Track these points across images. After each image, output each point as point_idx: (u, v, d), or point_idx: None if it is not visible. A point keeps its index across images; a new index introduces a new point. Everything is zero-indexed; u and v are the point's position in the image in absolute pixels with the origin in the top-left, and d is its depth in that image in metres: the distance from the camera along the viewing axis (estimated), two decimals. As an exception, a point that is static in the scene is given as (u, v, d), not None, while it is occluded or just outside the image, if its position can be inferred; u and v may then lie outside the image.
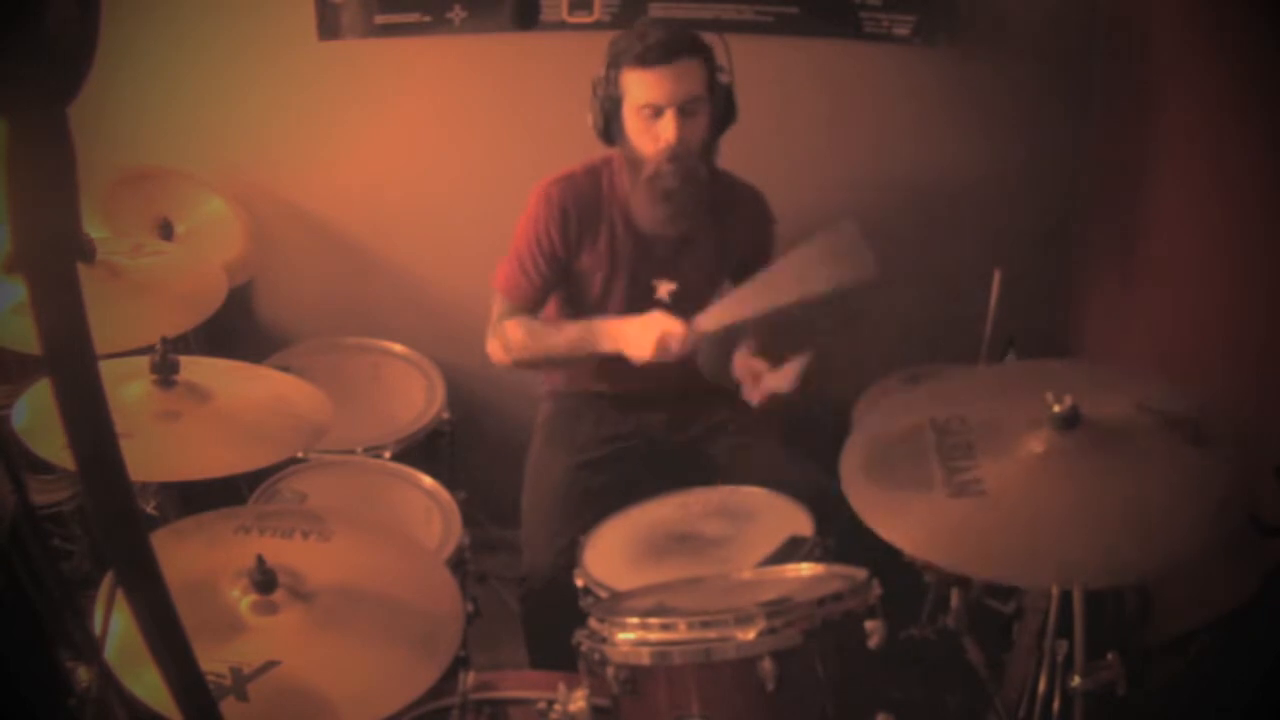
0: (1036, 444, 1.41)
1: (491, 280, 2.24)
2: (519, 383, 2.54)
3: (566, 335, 2.17)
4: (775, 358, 2.08)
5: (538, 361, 2.27)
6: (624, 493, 2.10)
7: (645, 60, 1.98)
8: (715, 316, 2.04)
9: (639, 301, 2.19)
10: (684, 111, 2.00)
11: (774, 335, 2.19)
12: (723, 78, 2.06)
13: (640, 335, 2.05)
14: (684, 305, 2.20)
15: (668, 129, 1.99)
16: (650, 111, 2.00)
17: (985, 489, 1.37)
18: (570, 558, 1.94)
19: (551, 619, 1.93)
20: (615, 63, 2.02)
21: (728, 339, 2.33)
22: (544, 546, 2.07)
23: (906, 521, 1.40)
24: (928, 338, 2.63)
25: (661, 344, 2.02)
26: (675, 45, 1.99)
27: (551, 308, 2.29)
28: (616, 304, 2.21)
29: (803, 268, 1.97)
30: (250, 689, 1.25)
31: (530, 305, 2.21)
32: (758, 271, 2.27)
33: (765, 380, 2.04)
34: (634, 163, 2.07)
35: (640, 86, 2.00)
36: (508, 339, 2.20)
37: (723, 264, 2.27)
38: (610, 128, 2.06)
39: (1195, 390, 1.57)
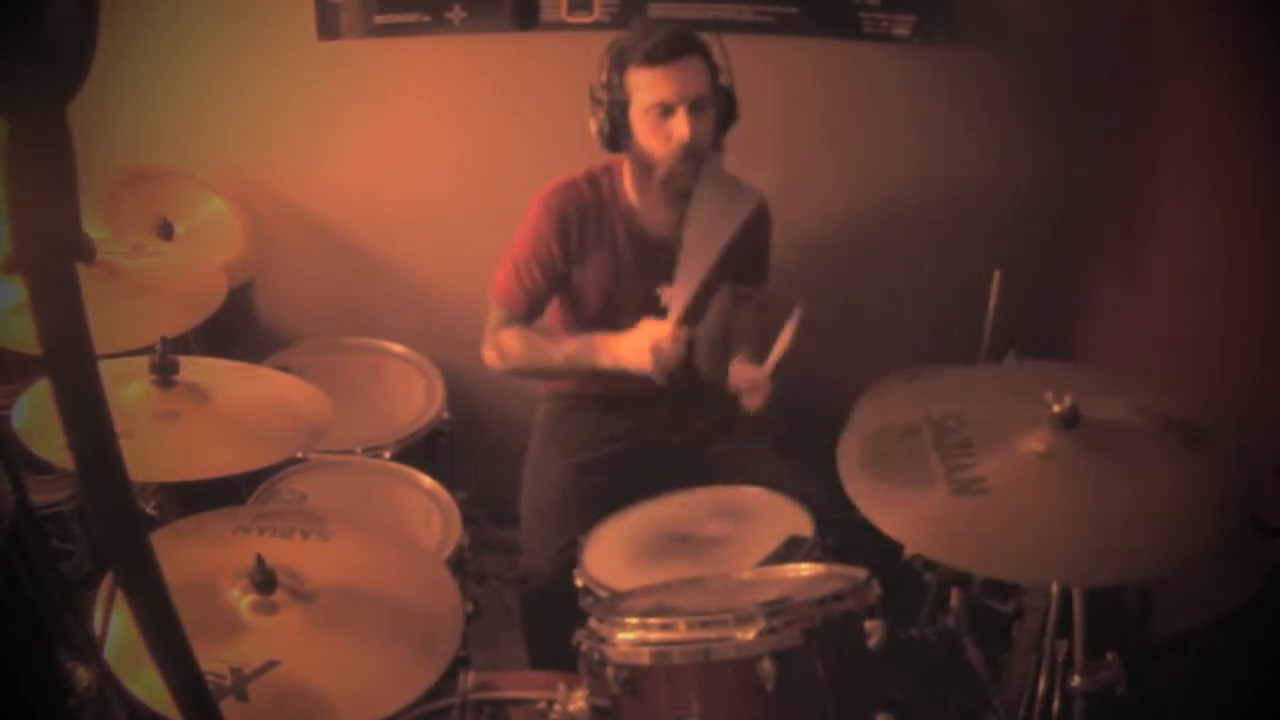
0: (1036, 444, 1.41)
1: (489, 288, 2.22)
2: (519, 383, 2.54)
3: (564, 351, 2.16)
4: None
5: (534, 373, 2.28)
6: (622, 493, 2.10)
7: (653, 59, 1.96)
8: (679, 298, 2.02)
9: (643, 308, 2.18)
10: (694, 109, 1.98)
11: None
12: (722, 78, 2.05)
13: (638, 348, 2.04)
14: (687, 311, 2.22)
15: (681, 126, 1.97)
16: (660, 111, 1.98)
17: (988, 488, 1.38)
18: (569, 558, 1.94)
19: (551, 619, 1.93)
20: (619, 65, 1.99)
21: (724, 340, 2.33)
22: (543, 547, 2.07)
23: (909, 516, 1.40)
24: (928, 338, 2.63)
25: (656, 351, 2.01)
26: (680, 42, 1.98)
27: (555, 318, 2.28)
28: (620, 312, 2.20)
29: (707, 220, 1.98)
30: (250, 689, 1.24)
31: (526, 313, 2.20)
32: (754, 272, 2.29)
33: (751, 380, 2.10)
34: (645, 166, 2.05)
35: (649, 86, 1.98)
36: (504, 349, 2.19)
37: (724, 267, 2.27)
38: (617, 134, 2.03)
39: (1195, 391, 1.57)
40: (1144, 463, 1.38)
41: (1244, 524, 1.70)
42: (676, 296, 2.03)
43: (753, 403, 2.14)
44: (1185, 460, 1.38)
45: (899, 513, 1.40)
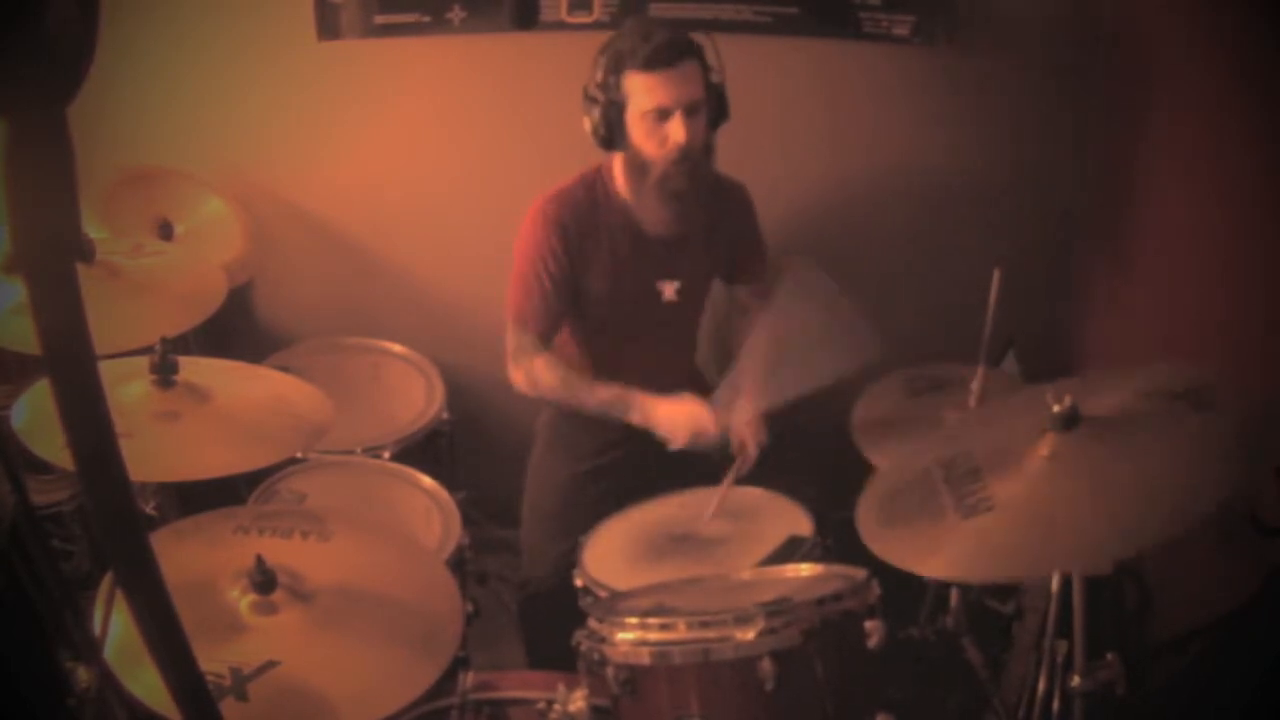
0: (1041, 449, 1.41)
1: (504, 311, 2.20)
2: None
3: (599, 397, 2.15)
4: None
5: (563, 407, 2.26)
6: (623, 499, 2.10)
7: (652, 64, 1.97)
8: (746, 410, 2.05)
9: (645, 304, 2.20)
10: (689, 112, 2.00)
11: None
12: (714, 77, 2.06)
13: (675, 421, 2.06)
14: (686, 302, 2.21)
15: (677, 131, 1.99)
16: (656, 115, 1.99)
17: (994, 504, 1.37)
18: (570, 564, 1.94)
19: (550, 624, 1.93)
20: (616, 67, 2.00)
21: (726, 339, 2.34)
22: (543, 552, 2.07)
23: (924, 551, 1.41)
24: (927, 338, 2.62)
25: (695, 434, 2.04)
26: (678, 48, 1.99)
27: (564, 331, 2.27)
28: (623, 309, 2.21)
29: (812, 356, 1.98)
30: (250, 689, 1.25)
31: (546, 328, 2.18)
32: (748, 259, 2.31)
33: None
34: (639, 167, 2.06)
35: (646, 91, 1.99)
36: (538, 379, 2.17)
37: (717, 258, 2.29)
38: (613, 134, 2.04)
39: (1198, 364, 1.56)
40: (1149, 439, 1.37)
41: (1244, 524, 1.71)
42: (744, 409, 2.04)
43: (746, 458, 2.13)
44: (1193, 422, 1.36)
45: (916, 551, 1.41)
